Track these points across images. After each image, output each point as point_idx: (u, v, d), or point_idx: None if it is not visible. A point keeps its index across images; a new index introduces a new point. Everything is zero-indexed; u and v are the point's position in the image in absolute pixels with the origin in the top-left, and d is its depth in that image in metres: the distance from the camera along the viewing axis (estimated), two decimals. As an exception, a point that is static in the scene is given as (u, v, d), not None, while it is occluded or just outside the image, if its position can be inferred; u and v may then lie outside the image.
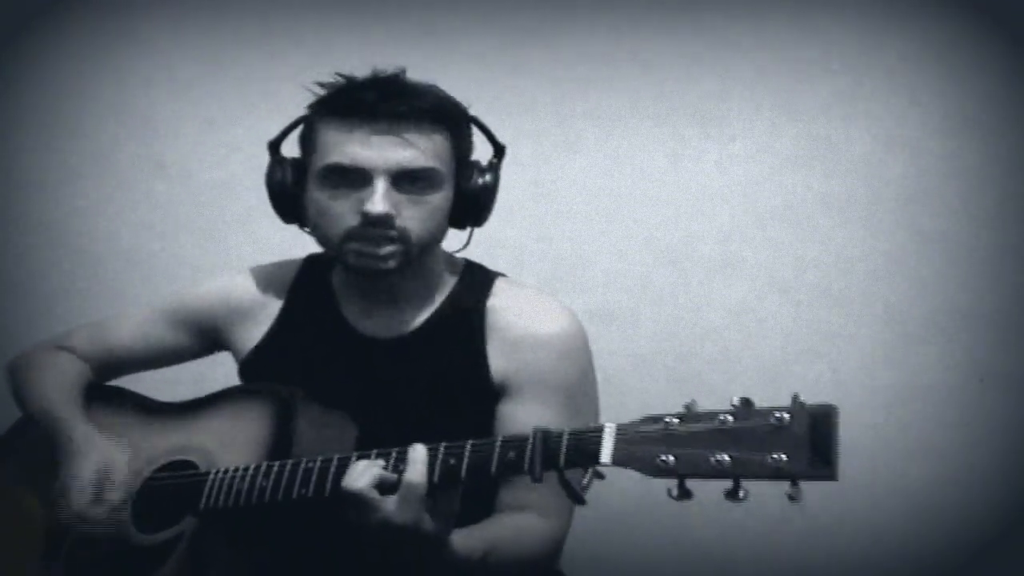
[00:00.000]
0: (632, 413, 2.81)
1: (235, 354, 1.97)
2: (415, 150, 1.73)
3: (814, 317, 2.82)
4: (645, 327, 2.86)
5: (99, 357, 2.02)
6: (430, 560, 1.59)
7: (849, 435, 1.35)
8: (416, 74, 1.81)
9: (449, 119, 1.77)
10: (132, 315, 2.04)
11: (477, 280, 1.88)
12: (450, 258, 1.90)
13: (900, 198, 2.80)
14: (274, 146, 1.85)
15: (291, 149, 1.86)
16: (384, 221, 1.72)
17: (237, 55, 2.94)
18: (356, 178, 1.74)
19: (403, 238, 1.75)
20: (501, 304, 1.84)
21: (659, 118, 2.86)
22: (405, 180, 1.74)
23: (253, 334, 1.94)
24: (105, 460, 1.81)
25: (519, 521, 1.73)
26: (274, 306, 1.94)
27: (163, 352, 2.01)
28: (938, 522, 2.75)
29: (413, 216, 1.75)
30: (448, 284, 1.88)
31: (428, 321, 1.85)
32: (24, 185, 3.00)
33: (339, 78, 1.79)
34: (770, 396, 2.77)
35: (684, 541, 2.79)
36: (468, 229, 1.86)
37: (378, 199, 1.72)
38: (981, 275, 2.77)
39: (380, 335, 1.86)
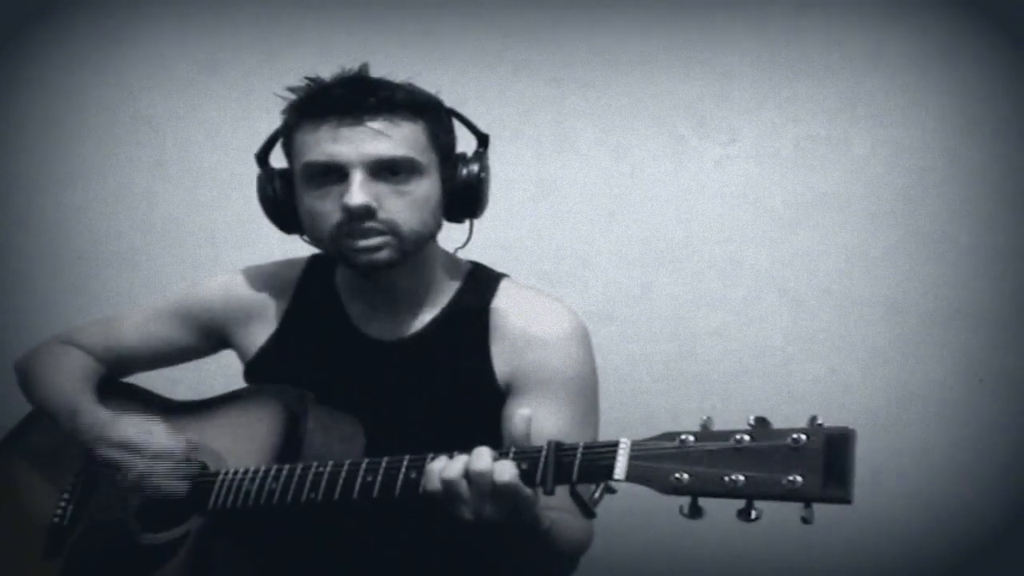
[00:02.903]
0: (631, 413, 2.83)
1: (240, 354, 1.97)
2: (388, 140, 1.72)
3: (814, 317, 2.82)
4: (645, 327, 2.86)
5: (108, 355, 2.02)
6: (527, 528, 1.58)
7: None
8: (416, 74, 1.81)
9: (421, 109, 1.76)
10: (137, 313, 2.04)
11: (482, 281, 1.88)
12: (454, 259, 1.90)
13: (900, 198, 2.80)
14: (261, 159, 1.85)
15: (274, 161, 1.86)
16: (364, 212, 1.72)
17: (237, 56, 2.94)
18: (334, 174, 1.73)
19: (392, 230, 1.74)
20: (506, 305, 1.84)
21: (659, 118, 2.86)
22: (383, 171, 1.73)
23: (258, 334, 1.94)
24: (141, 423, 1.80)
25: (563, 513, 1.72)
26: (279, 306, 1.94)
27: (169, 351, 2.01)
28: (938, 521, 2.75)
29: (397, 207, 1.74)
30: (453, 285, 1.88)
31: (433, 322, 1.85)
32: (24, 185, 3.00)
33: (307, 81, 1.79)
34: (770, 396, 2.78)
35: (683, 540, 2.79)
36: (467, 223, 1.86)
37: (355, 190, 1.71)
38: (981, 275, 2.77)
39: (385, 336, 1.86)
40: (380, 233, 1.74)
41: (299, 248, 1.95)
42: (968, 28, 2.76)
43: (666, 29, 2.85)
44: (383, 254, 1.75)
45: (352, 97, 1.72)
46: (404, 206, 1.74)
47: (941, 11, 2.77)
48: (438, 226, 1.82)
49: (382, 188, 1.73)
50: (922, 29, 2.78)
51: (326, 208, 1.75)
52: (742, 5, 2.82)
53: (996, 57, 2.76)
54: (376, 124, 1.72)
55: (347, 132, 1.72)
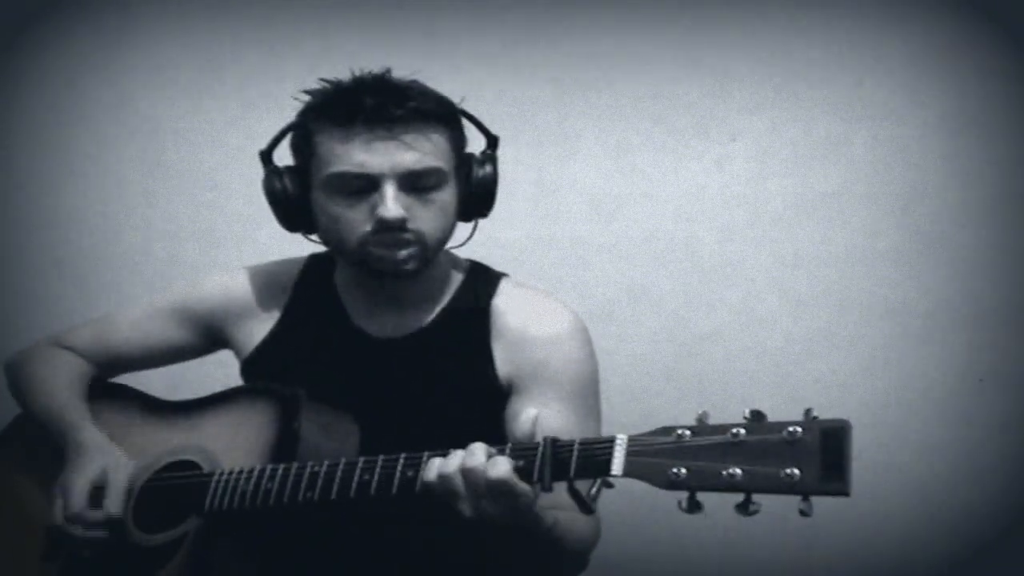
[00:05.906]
0: (631, 413, 2.82)
1: (237, 352, 1.97)
2: (418, 152, 1.74)
3: (814, 317, 2.82)
4: (645, 327, 2.86)
5: (100, 355, 2.01)
6: (529, 526, 1.57)
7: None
8: (416, 73, 1.81)
9: (444, 116, 1.78)
10: (133, 312, 2.03)
11: (482, 280, 1.89)
12: (454, 258, 1.91)
13: (900, 198, 2.80)
14: (267, 156, 1.85)
15: (280, 157, 1.86)
16: (399, 225, 1.74)
17: (237, 56, 2.94)
18: (364, 184, 1.74)
19: (419, 240, 1.76)
20: (506, 304, 1.85)
21: (659, 118, 2.86)
22: (412, 182, 1.75)
23: (256, 332, 1.94)
24: (108, 466, 1.81)
25: (566, 512, 1.72)
26: (277, 304, 1.94)
27: (165, 350, 2.01)
28: (938, 521, 2.75)
29: (425, 217, 1.76)
30: (453, 284, 1.88)
31: (434, 321, 1.86)
32: (24, 185, 3.00)
33: (325, 84, 1.80)
34: (770, 396, 2.78)
35: (682, 538, 2.79)
36: (473, 222, 1.87)
37: (390, 204, 1.73)
38: (981, 275, 2.77)
39: (385, 335, 1.86)
40: (409, 244, 1.76)
41: (297, 248, 1.96)
42: (968, 28, 2.76)
43: (666, 29, 2.85)
44: (411, 264, 1.77)
45: (383, 106, 1.73)
46: (431, 216, 1.77)
47: (941, 11, 2.77)
48: (454, 228, 1.84)
49: (412, 199, 1.75)
50: (922, 29, 2.78)
51: (356, 217, 1.76)
52: (742, 5, 2.82)
53: (996, 57, 2.76)
54: (408, 135, 1.73)
55: (379, 143, 1.73)
